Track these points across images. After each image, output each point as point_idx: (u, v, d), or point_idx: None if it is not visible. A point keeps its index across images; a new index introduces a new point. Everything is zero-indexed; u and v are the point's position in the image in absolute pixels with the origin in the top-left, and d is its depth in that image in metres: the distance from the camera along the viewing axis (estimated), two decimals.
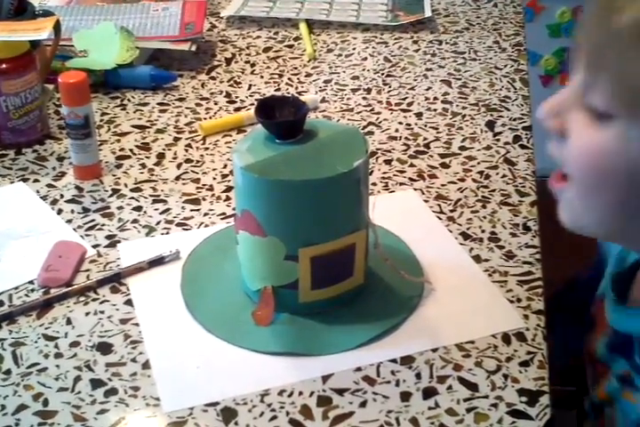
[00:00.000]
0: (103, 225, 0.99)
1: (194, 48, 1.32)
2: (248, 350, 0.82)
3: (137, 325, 0.85)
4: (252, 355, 0.82)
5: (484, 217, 0.99)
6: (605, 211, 0.63)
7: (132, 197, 1.03)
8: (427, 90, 1.25)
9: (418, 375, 0.79)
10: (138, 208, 1.01)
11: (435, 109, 1.20)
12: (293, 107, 0.82)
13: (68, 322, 0.85)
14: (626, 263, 0.78)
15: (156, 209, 1.01)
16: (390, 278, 0.89)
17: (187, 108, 1.22)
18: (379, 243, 0.86)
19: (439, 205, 1.01)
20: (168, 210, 1.01)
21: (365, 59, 1.34)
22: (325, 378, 0.79)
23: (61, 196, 1.04)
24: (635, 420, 0.70)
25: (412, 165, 1.09)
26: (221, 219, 1.00)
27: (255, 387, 0.78)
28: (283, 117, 0.82)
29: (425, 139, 1.14)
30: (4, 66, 1.08)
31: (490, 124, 1.17)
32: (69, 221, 0.99)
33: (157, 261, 0.92)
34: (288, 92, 1.25)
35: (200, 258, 0.94)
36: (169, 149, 1.12)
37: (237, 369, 0.81)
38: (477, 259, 0.93)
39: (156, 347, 0.83)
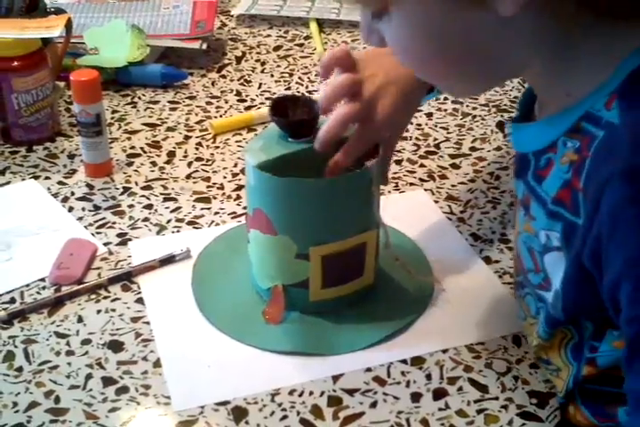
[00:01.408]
0: (114, 223, 0.99)
1: (204, 46, 1.32)
2: (258, 349, 0.82)
3: (148, 323, 0.85)
4: (262, 354, 0.82)
5: (495, 218, 0.99)
6: (445, 71, 0.69)
7: (143, 196, 1.03)
8: None
9: (428, 376, 0.80)
10: (149, 206, 1.02)
11: (445, 110, 1.20)
12: (306, 106, 0.83)
13: (80, 320, 0.86)
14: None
15: (166, 207, 1.01)
16: (401, 279, 0.89)
17: (197, 106, 1.22)
18: (389, 243, 0.86)
19: (449, 205, 1.01)
20: (179, 208, 1.01)
21: None
22: (336, 378, 0.79)
23: (72, 193, 1.04)
24: (539, 251, 0.69)
25: (422, 166, 1.09)
26: (232, 218, 1.00)
27: (265, 386, 0.79)
28: (296, 117, 0.82)
29: (435, 139, 1.14)
30: (15, 63, 1.09)
31: (500, 125, 1.17)
32: (80, 219, 0.99)
33: (168, 260, 0.93)
34: (298, 91, 1.25)
35: (211, 256, 0.94)
36: (179, 148, 1.13)
37: (248, 368, 0.81)
38: (487, 260, 0.93)
39: (167, 345, 0.83)
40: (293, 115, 0.82)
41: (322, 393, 0.78)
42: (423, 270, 0.91)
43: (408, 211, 1.00)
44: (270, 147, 0.82)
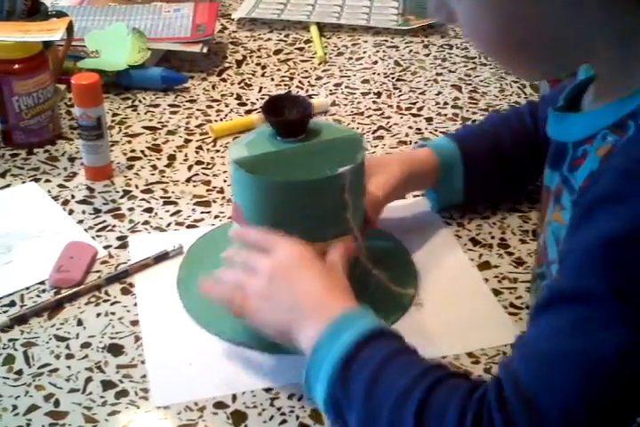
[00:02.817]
0: (114, 226, 0.99)
1: (205, 50, 1.33)
2: (242, 348, 0.82)
3: None
4: (244, 353, 0.82)
5: (494, 223, 1.00)
6: (511, 54, 0.69)
7: (143, 199, 1.04)
8: (437, 95, 1.26)
9: None
10: (149, 210, 1.02)
11: (445, 114, 1.21)
12: (300, 106, 0.83)
13: (79, 323, 0.86)
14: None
15: (166, 211, 1.02)
16: (381, 288, 0.88)
17: (197, 109, 1.22)
18: (362, 251, 0.86)
19: (448, 210, 1.02)
20: (179, 212, 1.01)
21: (376, 62, 1.35)
22: None
23: (73, 196, 1.04)
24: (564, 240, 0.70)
25: None
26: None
27: (245, 386, 0.79)
28: (288, 116, 0.82)
29: None
30: (16, 66, 1.09)
31: None
32: (80, 222, 1.00)
33: (162, 257, 0.93)
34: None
35: (202, 248, 0.94)
36: (180, 151, 1.13)
37: (229, 367, 0.81)
38: (487, 265, 0.93)
39: (153, 341, 0.83)
40: (288, 114, 0.82)
41: None
42: (406, 281, 0.90)
43: (407, 217, 1.00)
44: (256, 143, 0.83)
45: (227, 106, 1.23)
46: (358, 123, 1.19)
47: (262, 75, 1.31)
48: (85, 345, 0.83)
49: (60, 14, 1.25)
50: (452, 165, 0.96)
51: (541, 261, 0.77)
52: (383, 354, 0.69)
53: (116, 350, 0.83)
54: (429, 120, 1.19)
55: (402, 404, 0.65)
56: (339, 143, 0.84)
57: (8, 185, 1.06)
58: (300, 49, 1.39)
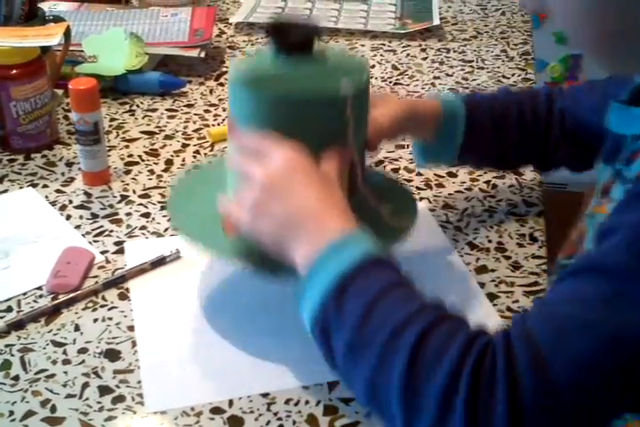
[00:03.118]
0: (111, 231, 0.99)
1: (202, 54, 1.33)
2: (237, 353, 0.82)
3: None
4: (239, 358, 0.82)
5: (491, 227, 1.00)
6: (595, 37, 0.70)
7: (141, 204, 1.04)
8: None
9: None
10: (146, 215, 1.02)
11: None
12: (310, 26, 0.80)
13: (76, 328, 0.86)
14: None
15: (164, 216, 1.02)
16: (379, 222, 0.83)
17: (195, 114, 1.22)
18: (361, 179, 0.82)
19: (446, 214, 1.02)
20: None
21: (373, 66, 1.35)
22: (332, 387, 0.79)
23: (70, 201, 1.04)
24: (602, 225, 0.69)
25: (419, 174, 1.09)
26: None
27: (237, 392, 0.79)
28: (293, 38, 0.79)
29: None
30: (14, 71, 1.09)
31: None
32: (78, 227, 1.00)
33: (159, 262, 0.93)
34: None
35: (202, 170, 0.93)
36: (177, 156, 1.13)
37: (223, 373, 0.81)
38: (484, 269, 0.93)
39: (148, 346, 0.83)
40: (294, 34, 0.78)
41: (318, 402, 0.78)
42: (405, 215, 0.87)
43: None
44: (257, 60, 0.81)
45: (224, 110, 1.23)
46: None
47: None
48: (82, 350, 0.83)
49: (57, 19, 1.25)
50: (456, 117, 0.94)
51: (571, 252, 0.77)
52: (384, 281, 0.67)
53: (112, 355, 0.83)
54: None
55: (398, 335, 0.63)
56: (343, 65, 0.81)
57: (5, 190, 1.06)
58: None
